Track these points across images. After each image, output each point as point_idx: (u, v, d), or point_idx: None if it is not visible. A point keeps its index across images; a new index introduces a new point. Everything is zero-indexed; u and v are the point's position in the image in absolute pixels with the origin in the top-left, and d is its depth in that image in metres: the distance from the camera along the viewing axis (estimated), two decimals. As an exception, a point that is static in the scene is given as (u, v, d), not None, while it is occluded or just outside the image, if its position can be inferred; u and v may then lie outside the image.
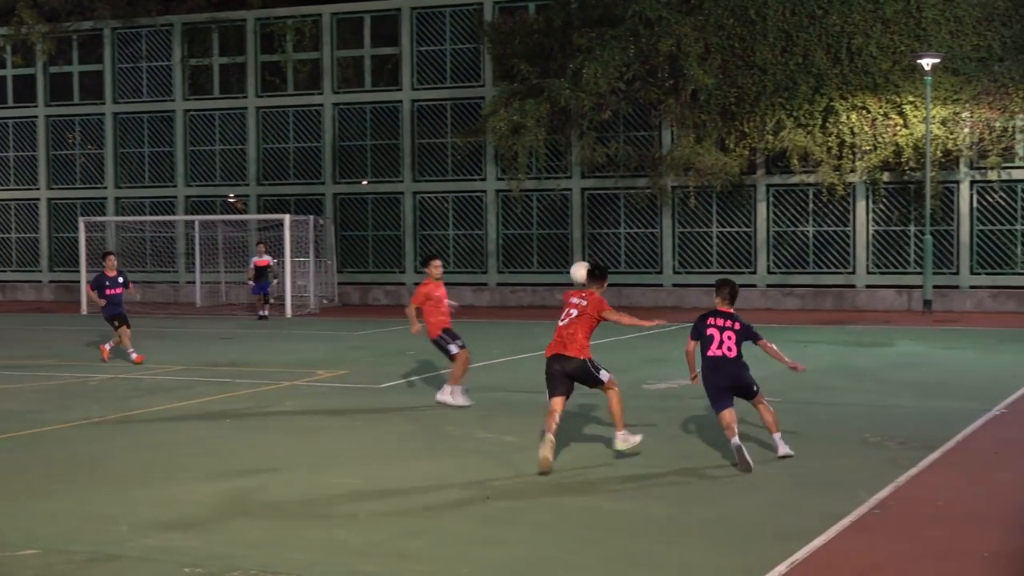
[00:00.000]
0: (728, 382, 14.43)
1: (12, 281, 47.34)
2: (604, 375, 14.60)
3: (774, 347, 14.78)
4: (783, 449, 14.37)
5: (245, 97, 44.36)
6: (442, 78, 42.11)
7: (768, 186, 38.34)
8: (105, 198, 46.08)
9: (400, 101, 42.42)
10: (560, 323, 14.76)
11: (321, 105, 43.44)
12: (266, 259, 36.78)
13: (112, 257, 25.49)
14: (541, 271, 39.66)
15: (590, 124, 38.78)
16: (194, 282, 42.48)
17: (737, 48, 37.77)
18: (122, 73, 46.02)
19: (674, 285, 39.37)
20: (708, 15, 37.86)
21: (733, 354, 14.57)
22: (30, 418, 18.03)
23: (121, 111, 45.88)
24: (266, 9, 44.79)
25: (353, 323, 34.22)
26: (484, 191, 41.39)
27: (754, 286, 38.49)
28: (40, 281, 46.76)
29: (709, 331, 14.79)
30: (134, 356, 24.78)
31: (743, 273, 38.63)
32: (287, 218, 38.52)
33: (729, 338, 14.70)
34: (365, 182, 43.11)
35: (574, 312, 14.76)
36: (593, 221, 40.32)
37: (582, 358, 14.52)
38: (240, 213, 44.34)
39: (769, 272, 38.44)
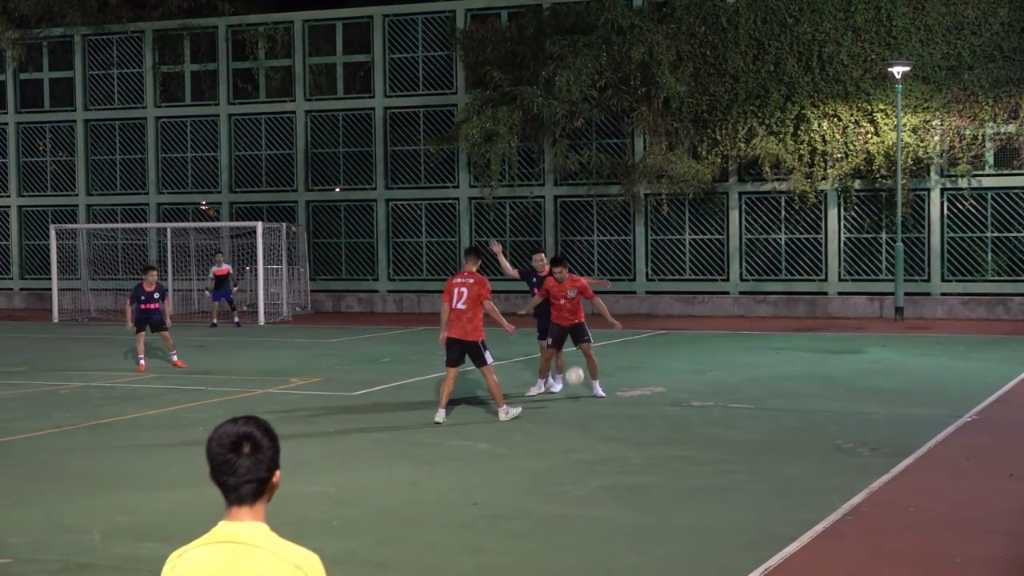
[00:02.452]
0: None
1: (-18, 289, 47.12)
2: (489, 358, 17.65)
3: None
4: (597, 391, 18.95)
5: (217, 104, 44.26)
6: (414, 85, 42.10)
7: (740, 194, 38.44)
8: (76, 205, 45.90)
9: (372, 108, 42.40)
10: (458, 306, 17.34)
11: (293, 112, 43.37)
12: (225, 268, 36.69)
13: (153, 272, 25.42)
14: (514, 279, 39.52)
15: (563, 132, 38.83)
16: (166, 289, 42.33)
17: (709, 56, 37.89)
18: (93, 80, 45.86)
19: (647, 292, 39.43)
20: (680, 23, 37.97)
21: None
22: (0, 426, 17.94)
23: (92, 118, 45.72)
24: (238, 16, 44.69)
25: (326, 331, 34.18)
26: (457, 199, 41.40)
27: (727, 293, 38.59)
28: (11, 289, 46.51)
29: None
30: (175, 359, 25.26)
31: (716, 280, 38.74)
32: (259, 225, 38.45)
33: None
34: (338, 189, 43.05)
35: (464, 292, 17.34)
36: (566, 228, 40.36)
37: (476, 340, 17.43)
38: (212, 220, 44.23)
39: (741, 279, 38.54)
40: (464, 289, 17.57)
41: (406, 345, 30.20)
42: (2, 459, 15.54)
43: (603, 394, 19.94)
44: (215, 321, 36.26)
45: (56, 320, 38.63)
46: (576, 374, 19.29)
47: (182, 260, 41.74)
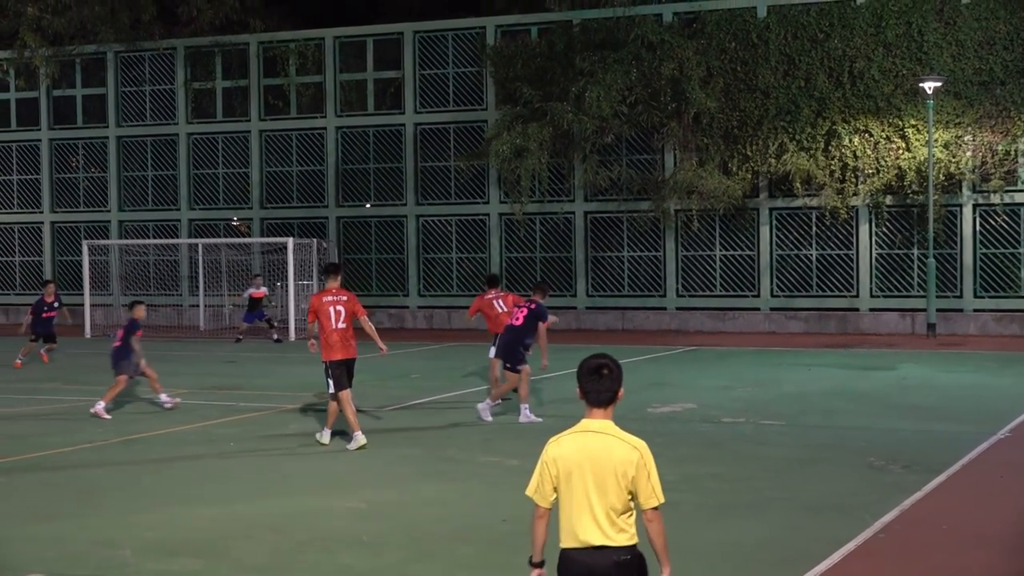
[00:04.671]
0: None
1: (16, 304, 47.23)
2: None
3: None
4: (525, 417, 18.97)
5: (248, 120, 44.41)
6: (445, 102, 42.16)
7: (771, 209, 38.34)
8: (109, 221, 46.11)
9: (403, 124, 42.47)
10: (339, 326, 17.13)
11: (324, 128, 43.48)
12: (263, 291, 36.74)
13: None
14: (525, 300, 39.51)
15: (593, 147, 38.81)
16: (198, 305, 42.48)
17: (739, 72, 37.83)
18: (125, 96, 46.10)
19: (677, 308, 39.33)
20: (710, 39, 37.93)
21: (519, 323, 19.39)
22: (33, 442, 18.03)
23: (124, 134, 45.94)
24: (269, 33, 44.88)
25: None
26: (487, 214, 41.41)
27: (757, 310, 38.46)
28: (43, 304, 46.75)
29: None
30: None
31: (747, 296, 38.62)
32: (290, 241, 38.54)
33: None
34: (368, 205, 43.14)
35: (342, 311, 17.19)
36: (596, 244, 40.32)
37: (355, 357, 17.61)
38: (243, 236, 44.37)
39: (772, 295, 38.41)
40: (340, 308, 17.23)
41: (436, 361, 30.20)
42: (35, 474, 15.60)
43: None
44: (240, 336, 36.32)
45: (88, 335, 38.77)
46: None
47: (213, 276, 41.87)
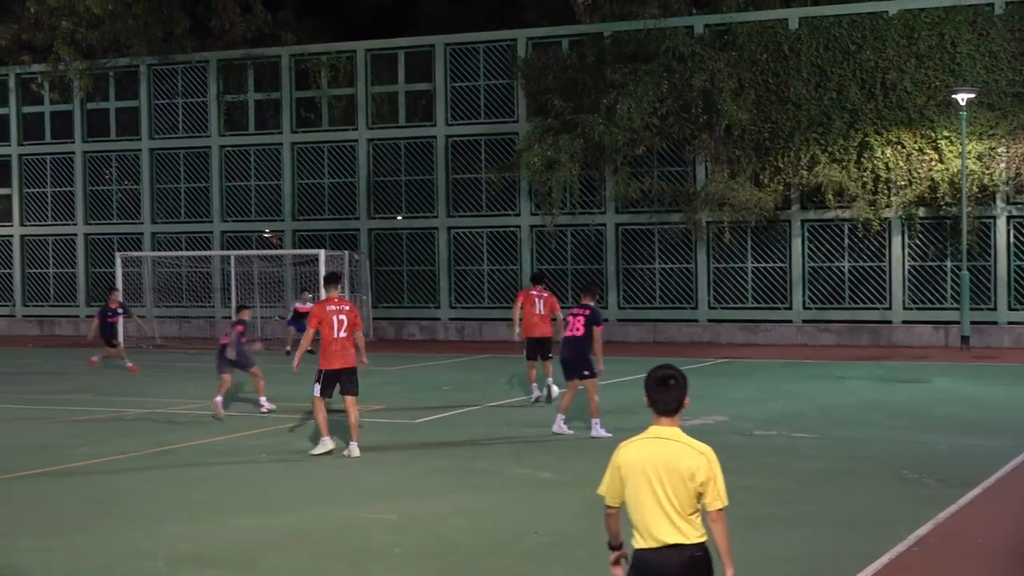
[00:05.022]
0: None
1: (50, 316, 47.54)
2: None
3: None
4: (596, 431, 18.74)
5: (280, 133, 44.54)
6: (476, 114, 42.21)
7: (803, 221, 38.21)
8: (141, 233, 46.29)
9: (434, 136, 42.53)
10: (340, 335, 17.41)
11: (356, 141, 43.56)
12: (308, 306, 36.54)
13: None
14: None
15: (624, 159, 38.77)
16: (230, 317, 42.54)
17: (771, 83, 37.74)
18: (158, 109, 46.31)
19: (709, 321, 39.23)
20: (741, 50, 37.87)
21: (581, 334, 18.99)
22: (65, 452, 18.10)
23: (157, 147, 46.14)
24: (301, 46, 45.04)
25: (388, 358, 34.21)
26: (518, 226, 41.41)
27: (790, 322, 38.32)
28: (77, 316, 46.92)
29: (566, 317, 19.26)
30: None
31: (779, 308, 38.49)
32: (322, 253, 38.59)
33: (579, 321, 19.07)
34: (400, 217, 43.20)
35: (345, 320, 17.46)
36: (628, 256, 40.27)
37: (355, 366, 17.75)
38: (275, 248, 44.49)
39: (805, 308, 38.26)
40: (344, 317, 17.57)
41: (468, 373, 30.20)
42: (67, 485, 15.66)
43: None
44: (288, 348, 35.94)
45: (122, 347, 38.92)
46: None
47: (245, 288, 41.97)
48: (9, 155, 48.22)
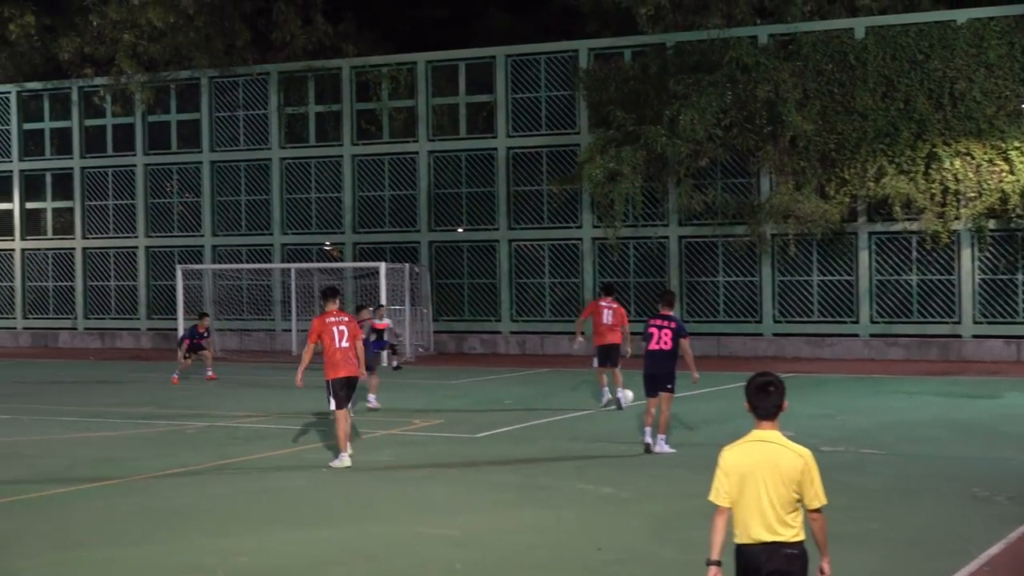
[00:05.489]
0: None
1: (111, 329, 47.98)
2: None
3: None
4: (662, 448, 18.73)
5: (341, 145, 44.76)
6: (537, 125, 42.24)
7: (870, 234, 37.94)
8: (202, 246, 46.64)
9: (495, 148, 42.60)
10: (343, 345, 18.26)
11: (416, 153, 43.71)
12: (386, 322, 36.45)
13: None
14: (639, 319, 39.25)
15: (687, 171, 38.66)
16: (290, 330, 42.78)
17: (836, 93, 37.52)
18: (219, 122, 46.68)
19: (774, 334, 39.01)
20: (806, 60, 37.67)
21: (669, 348, 18.72)
22: (127, 465, 18.26)
23: (218, 159, 46.49)
24: (361, 57, 45.25)
25: (449, 372, 34.29)
26: (580, 239, 41.37)
27: (856, 336, 38.04)
28: (138, 329, 47.35)
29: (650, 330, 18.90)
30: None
31: (845, 322, 38.22)
32: (383, 266, 38.74)
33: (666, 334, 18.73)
34: (460, 230, 43.28)
35: (345, 331, 18.32)
36: (691, 269, 40.14)
37: (357, 376, 18.60)
38: (336, 261, 44.69)
39: (872, 322, 37.97)
40: (344, 328, 18.39)
41: (529, 387, 30.19)
42: (128, 498, 15.79)
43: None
44: (396, 364, 35.31)
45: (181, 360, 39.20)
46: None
47: (305, 301, 42.16)
48: (71, 168, 48.74)
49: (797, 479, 7.42)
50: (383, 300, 37.91)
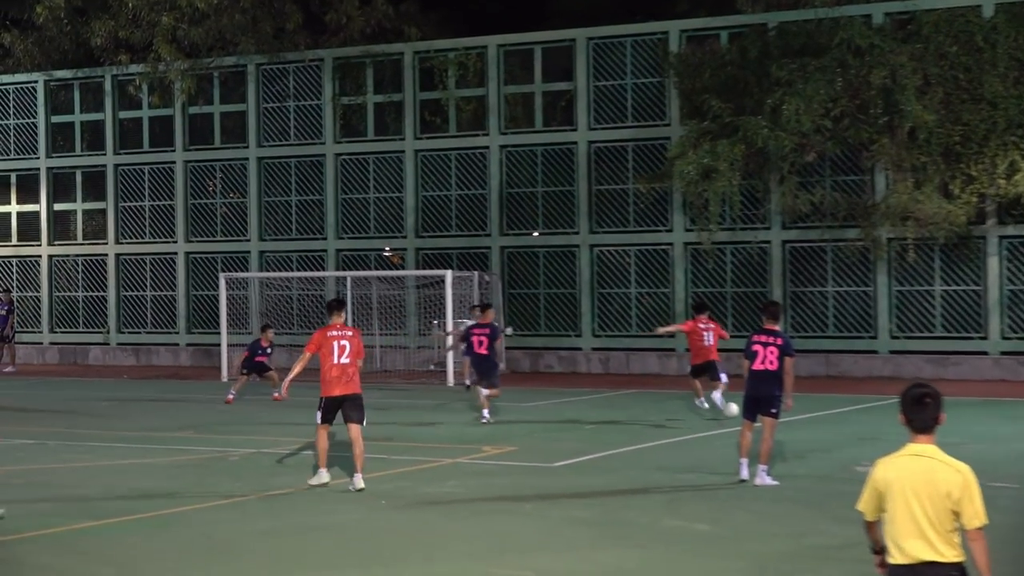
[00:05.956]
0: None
1: (147, 344, 48.34)
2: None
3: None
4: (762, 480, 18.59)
5: (402, 139, 44.90)
6: (622, 116, 42.17)
7: (1001, 238, 37.58)
8: (248, 252, 46.92)
9: (575, 142, 42.57)
10: (342, 361, 18.88)
11: (487, 147, 43.77)
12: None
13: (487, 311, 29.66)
14: (738, 334, 39.08)
15: (791, 167, 38.44)
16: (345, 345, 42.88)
17: (962, 80, 37.18)
18: (267, 113, 46.97)
19: (891, 352, 38.70)
20: (927, 42, 37.36)
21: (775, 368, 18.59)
22: (165, 497, 18.38)
23: (266, 155, 46.78)
24: (426, 41, 45.32)
25: (522, 393, 34.26)
26: (670, 244, 41.24)
27: (985, 353, 37.67)
28: (177, 344, 47.73)
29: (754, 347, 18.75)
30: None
31: (972, 338, 37.86)
32: (449, 274, 38.76)
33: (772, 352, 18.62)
34: (536, 233, 43.29)
35: (347, 346, 18.96)
36: (796, 278, 39.92)
37: (360, 392, 19.19)
38: (397, 268, 44.83)
39: (1004, 337, 37.59)
40: (346, 343, 19.08)
41: (613, 410, 30.13)
42: (166, 531, 15.90)
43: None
44: (467, 382, 35.13)
45: (225, 379, 39.44)
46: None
47: (363, 313, 42.35)
48: (104, 165, 49.22)
49: (956, 496, 7.73)
50: (448, 312, 37.88)
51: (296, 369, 19.44)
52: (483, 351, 27.42)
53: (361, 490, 18.45)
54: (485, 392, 27.18)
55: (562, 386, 36.66)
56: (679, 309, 40.36)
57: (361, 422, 19.07)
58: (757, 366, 18.63)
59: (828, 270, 39.62)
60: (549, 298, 42.96)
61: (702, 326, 27.35)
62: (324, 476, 19.14)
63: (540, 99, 43.44)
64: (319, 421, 19.17)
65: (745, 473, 18.72)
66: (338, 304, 19.96)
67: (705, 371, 27.17)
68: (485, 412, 27.15)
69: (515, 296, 43.21)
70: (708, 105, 38.83)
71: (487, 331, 27.58)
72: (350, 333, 19.26)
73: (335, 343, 19.02)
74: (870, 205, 38.27)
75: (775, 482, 18.58)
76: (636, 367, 40.72)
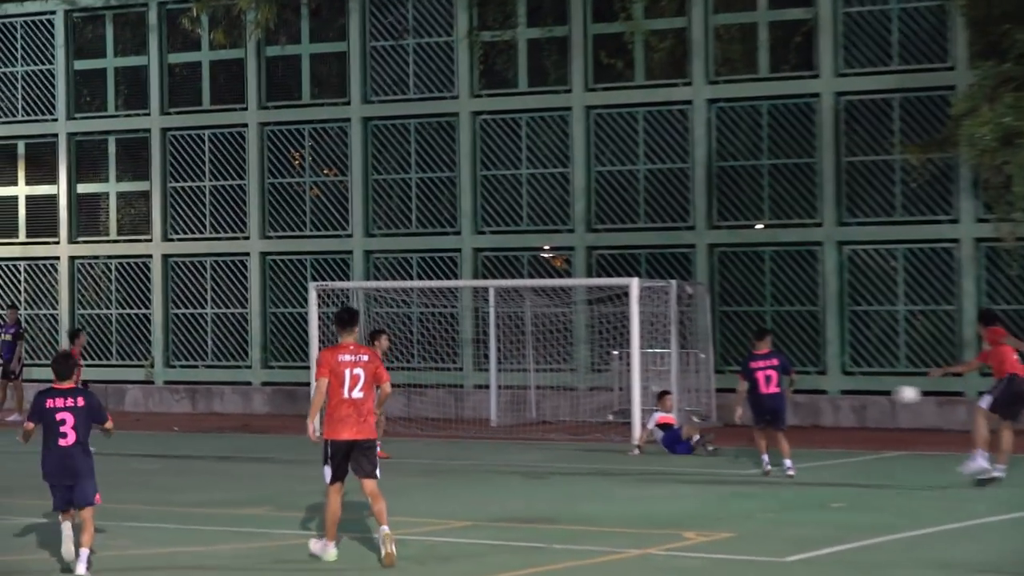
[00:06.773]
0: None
1: (208, 382, 48.55)
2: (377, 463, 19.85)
3: None
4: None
5: (568, 92, 44.80)
6: (884, 58, 41.73)
7: None
8: (349, 251, 46.99)
9: (816, 94, 42.21)
10: (354, 395, 19.37)
11: (689, 102, 43.52)
12: (671, 416, 36.07)
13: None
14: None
15: None
16: (488, 386, 42.88)
17: None
18: (376, 57, 47.04)
19: None
20: None
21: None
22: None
23: (373, 114, 46.84)
24: (603, -49, 45.30)
25: (742, 454, 34.01)
26: (956, 239, 40.70)
27: None
28: (249, 383, 47.89)
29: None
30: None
31: None
32: (635, 283, 38.38)
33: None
34: (760, 225, 42.98)
35: (361, 375, 19.40)
36: None
37: (374, 438, 20.04)
38: (560, 276, 44.75)
39: None
40: (360, 371, 19.52)
41: (873, 479, 29.84)
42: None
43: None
44: (639, 446, 34.85)
45: (317, 433, 39.60)
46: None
47: (512, 338, 42.29)
48: (148, 129, 49.59)
49: None
50: (634, 338, 37.68)
51: (317, 402, 19.78)
52: (773, 389, 28.30)
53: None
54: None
55: (796, 444, 36.18)
56: (967, 333, 39.75)
57: (375, 476, 19.70)
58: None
59: None
60: (779, 318, 42.58)
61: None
62: (331, 552, 19.71)
63: (765, 32, 43.15)
64: (328, 480, 19.71)
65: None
66: (349, 317, 20.18)
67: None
68: (787, 462, 28.95)
69: (731, 315, 42.93)
70: (1010, 39, 38.32)
71: (775, 362, 28.39)
72: (365, 357, 19.66)
73: (347, 371, 19.42)
74: None
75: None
76: (904, 419, 40.15)
